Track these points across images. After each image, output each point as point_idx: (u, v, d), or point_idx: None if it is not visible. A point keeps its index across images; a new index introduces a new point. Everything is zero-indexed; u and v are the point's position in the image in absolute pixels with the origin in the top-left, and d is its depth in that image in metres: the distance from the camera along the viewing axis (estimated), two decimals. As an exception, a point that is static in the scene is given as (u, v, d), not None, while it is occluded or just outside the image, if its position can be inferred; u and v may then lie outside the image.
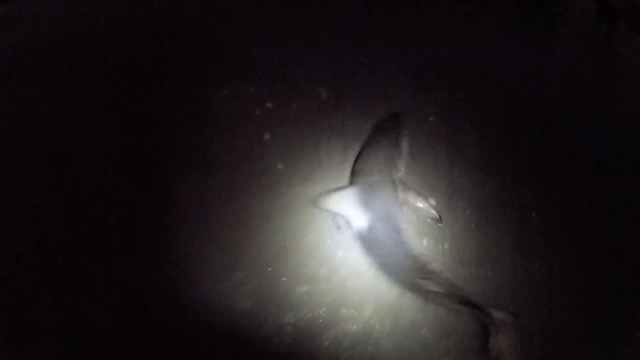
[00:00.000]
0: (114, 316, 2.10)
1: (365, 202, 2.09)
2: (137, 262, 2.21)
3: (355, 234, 2.10)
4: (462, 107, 2.47)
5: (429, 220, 2.21)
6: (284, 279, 2.21)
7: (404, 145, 2.26)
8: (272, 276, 2.22)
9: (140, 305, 2.15)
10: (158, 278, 2.19)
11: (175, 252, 2.24)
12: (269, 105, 2.47)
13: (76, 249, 2.21)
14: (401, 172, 2.20)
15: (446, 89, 2.51)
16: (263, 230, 2.29)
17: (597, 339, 2.08)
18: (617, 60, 2.64)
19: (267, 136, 2.42)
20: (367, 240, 2.08)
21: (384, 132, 2.28)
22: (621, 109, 2.57)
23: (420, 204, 2.15)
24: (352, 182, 2.22)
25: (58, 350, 2.04)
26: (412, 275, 1.98)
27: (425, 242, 2.25)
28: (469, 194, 2.34)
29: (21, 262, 2.18)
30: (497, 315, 1.84)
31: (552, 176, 2.38)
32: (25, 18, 2.53)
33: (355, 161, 2.28)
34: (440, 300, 1.99)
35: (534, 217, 2.30)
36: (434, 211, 2.17)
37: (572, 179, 2.38)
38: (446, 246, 2.26)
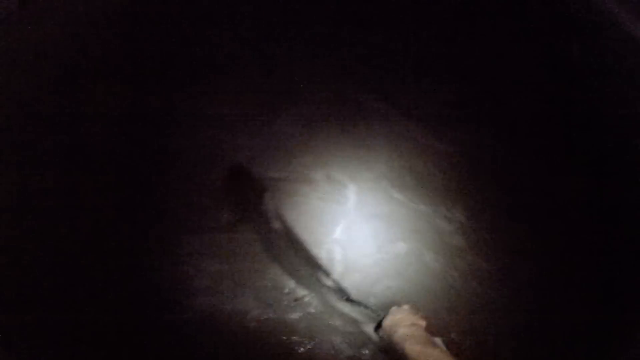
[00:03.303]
0: (114, 316, 2.11)
1: None
2: (137, 261, 2.22)
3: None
4: (458, 107, 2.48)
5: None
6: (285, 279, 2.22)
7: None
8: (274, 277, 2.23)
9: (140, 305, 2.15)
10: (158, 278, 2.19)
11: (175, 253, 2.24)
12: (269, 105, 2.48)
13: (76, 248, 2.21)
14: None
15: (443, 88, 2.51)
16: (264, 230, 2.29)
17: (597, 339, 2.08)
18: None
19: (267, 137, 2.43)
20: None
21: None
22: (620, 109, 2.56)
23: None
24: None
25: (58, 350, 2.04)
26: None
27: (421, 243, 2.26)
28: (467, 195, 2.35)
29: (21, 262, 2.18)
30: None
31: (551, 176, 2.38)
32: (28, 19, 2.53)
33: None
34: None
35: (533, 217, 2.30)
36: None
37: (572, 178, 2.37)
38: (443, 247, 2.26)
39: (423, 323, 1.61)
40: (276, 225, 2.29)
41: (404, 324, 1.61)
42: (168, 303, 2.16)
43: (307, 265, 2.22)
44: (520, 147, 2.44)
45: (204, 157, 2.40)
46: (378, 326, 1.83)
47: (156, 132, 2.42)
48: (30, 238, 2.23)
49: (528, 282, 2.19)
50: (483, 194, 2.35)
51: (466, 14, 2.46)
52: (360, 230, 2.35)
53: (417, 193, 2.38)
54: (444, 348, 1.47)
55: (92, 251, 2.21)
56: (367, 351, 2.05)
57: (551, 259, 2.23)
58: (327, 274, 2.18)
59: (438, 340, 1.52)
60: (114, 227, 2.26)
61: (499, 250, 2.26)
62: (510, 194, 2.35)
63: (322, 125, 2.47)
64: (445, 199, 2.37)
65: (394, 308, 1.78)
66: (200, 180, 2.36)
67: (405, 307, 1.77)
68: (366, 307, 2.02)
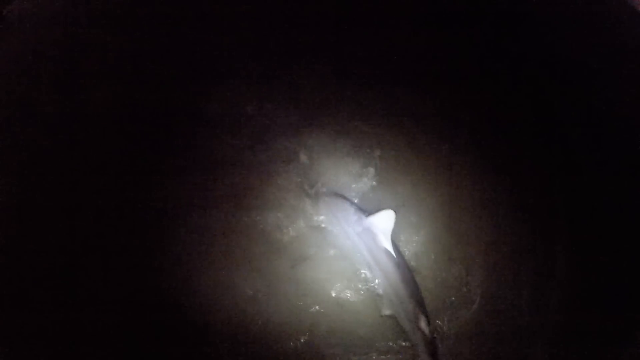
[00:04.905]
0: (114, 316, 2.11)
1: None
2: (137, 262, 2.22)
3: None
4: (459, 107, 2.48)
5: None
6: (285, 279, 2.22)
7: None
8: (274, 276, 2.22)
9: (140, 305, 2.15)
10: (158, 278, 2.19)
11: (175, 252, 2.24)
12: (267, 106, 2.49)
13: (76, 248, 2.21)
14: None
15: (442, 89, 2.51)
16: (265, 230, 2.29)
17: (597, 339, 2.08)
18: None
19: (266, 137, 2.43)
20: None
21: None
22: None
23: None
24: None
25: (58, 350, 2.04)
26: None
27: (422, 241, 2.26)
28: (468, 194, 2.35)
29: (21, 262, 2.18)
30: None
31: (552, 175, 2.38)
32: (27, 20, 2.53)
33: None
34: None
35: (534, 217, 2.30)
36: None
37: (572, 178, 2.37)
38: (445, 247, 2.26)
39: None
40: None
41: None
42: (168, 303, 2.16)
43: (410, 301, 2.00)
44: (520, 147, 2.44)
45: (204, 157, 2.40)
46: None
47: (156, 132, 2.42)
48: (30, 238, 2.23)
49: (528, 282, 2.19)
50: (483, 194, 2.35)
51: (465, 15, 2.46)
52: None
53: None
54: None
55: (92, 251, 2.21)
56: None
57: (551, 259, 2.23)
58: (428, 320, 1.96)
59: None
60: (114, 227, 2.26)
61: (499, 250, 2.26)
62: (509, 194, 2.35)
63: (322, 125, 2.47)
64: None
65: None
66: (201, 181, 2.36)
67: None
68: None
